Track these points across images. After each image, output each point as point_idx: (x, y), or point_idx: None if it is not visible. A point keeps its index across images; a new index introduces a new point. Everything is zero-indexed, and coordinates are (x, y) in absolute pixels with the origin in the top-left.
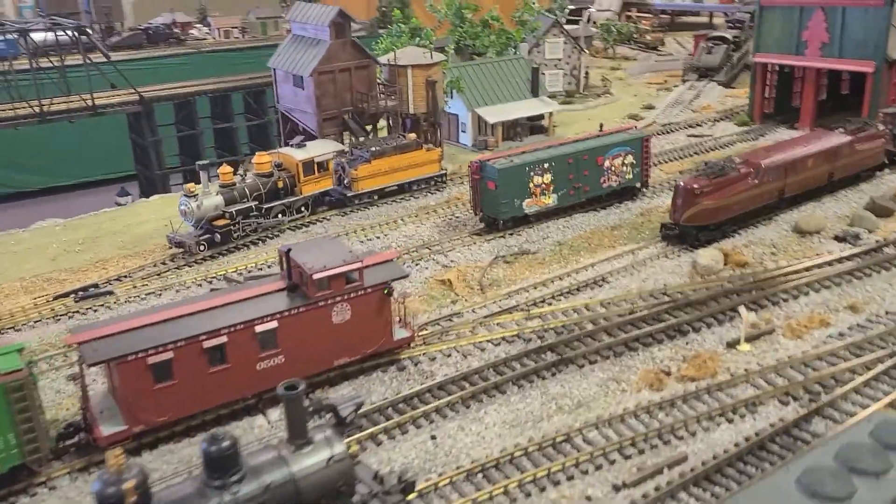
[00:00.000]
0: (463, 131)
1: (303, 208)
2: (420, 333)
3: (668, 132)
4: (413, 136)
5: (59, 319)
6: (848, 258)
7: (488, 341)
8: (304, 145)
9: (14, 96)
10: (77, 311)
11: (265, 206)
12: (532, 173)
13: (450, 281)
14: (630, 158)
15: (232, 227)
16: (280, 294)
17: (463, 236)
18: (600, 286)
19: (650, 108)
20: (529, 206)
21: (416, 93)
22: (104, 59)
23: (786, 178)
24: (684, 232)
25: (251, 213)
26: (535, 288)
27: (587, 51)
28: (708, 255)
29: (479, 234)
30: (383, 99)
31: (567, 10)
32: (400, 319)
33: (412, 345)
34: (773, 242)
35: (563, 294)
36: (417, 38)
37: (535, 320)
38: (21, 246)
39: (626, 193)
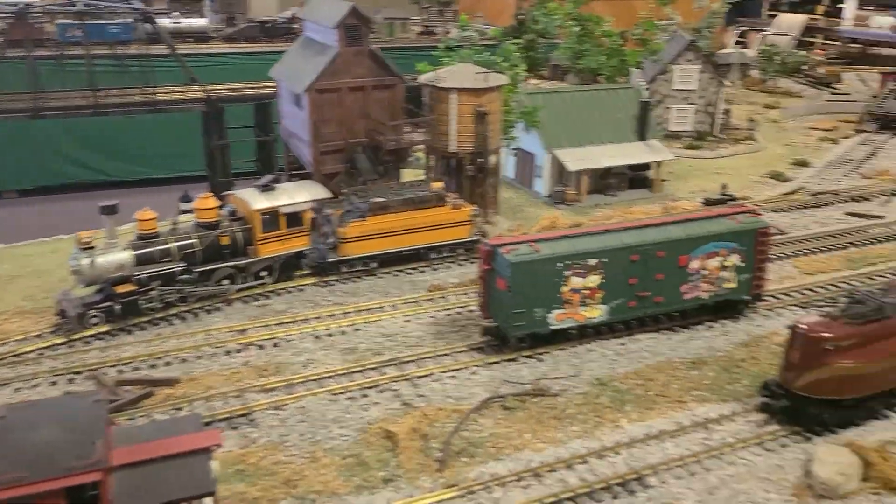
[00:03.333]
0: (538, 176)
1: (263, 273)
2: None
3: (818, 206)
4: (439, 185)
5: None
6: None
7: None
8: (273, 188)
9: (80, 83)
10: None
11: (200, 268)
12: (568, 272)
13: (396, 436)
14: (735, 259)
15: (140, 295)
16: None
17: (456, 351)
18: (632, 493)
19: (803, 165)
20: (560, 319)
21: (462, 125)
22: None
23: None
24: (799, 407)
25: (178, 278)
26: (520, 479)
27: (739, 82)
28: (834, 461)
29: (482, 352)
30: (410, 131)
31: (710, 31)
32: None
33: None
34: None
35: (564, 500)
36: (488, 53)
37: None
38: None
39: (724, 309)
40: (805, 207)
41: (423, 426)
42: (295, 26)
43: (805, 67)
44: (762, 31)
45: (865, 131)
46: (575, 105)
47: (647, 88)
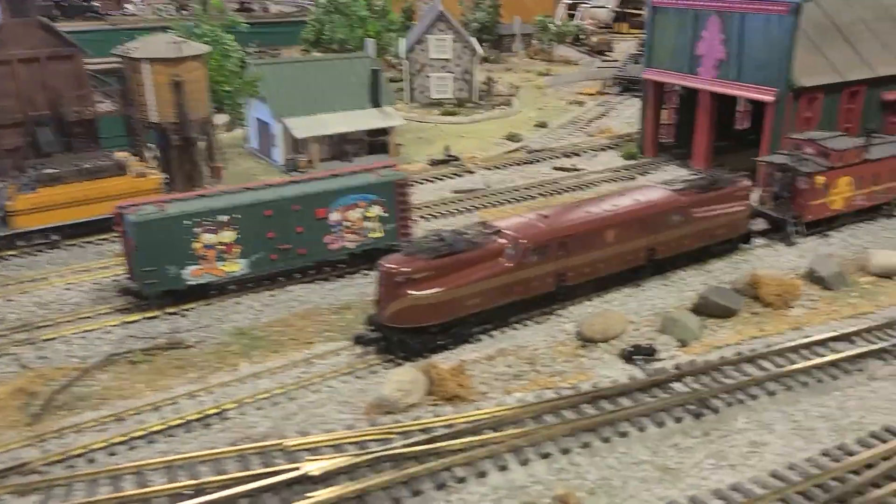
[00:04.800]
0: (274, 146)
1: None
2: None
3: (532, 162)
4: (123, 155)
5: None
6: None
7: None
8: None
9: None
10: None
11: None
12: (198, 229)
13: None
14: (376, 209)
15: None
16: None
17: (100, 313)
18: (208, 426)
19: (542, 126)
20: (197, 275)
21: (160, 96)
22: None
23: (567, 259)
24: (389, 336)
25: None
26: (99, 424)
27: (522, 51)
28: (398, 380)
29: (127, 311)
30: (100, 102)
31: (488, 2)
32: None
33: None
34: (533, 355)
35: (135, 439)
36: (197, 27)
37: None
38: None
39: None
40: (520, 164)
41: (35, 386)
42: (95, 4)
43: (582, 37)
44: (585, 2)
45: (608, 93)
46: (308, 74)
47: (407, 58)
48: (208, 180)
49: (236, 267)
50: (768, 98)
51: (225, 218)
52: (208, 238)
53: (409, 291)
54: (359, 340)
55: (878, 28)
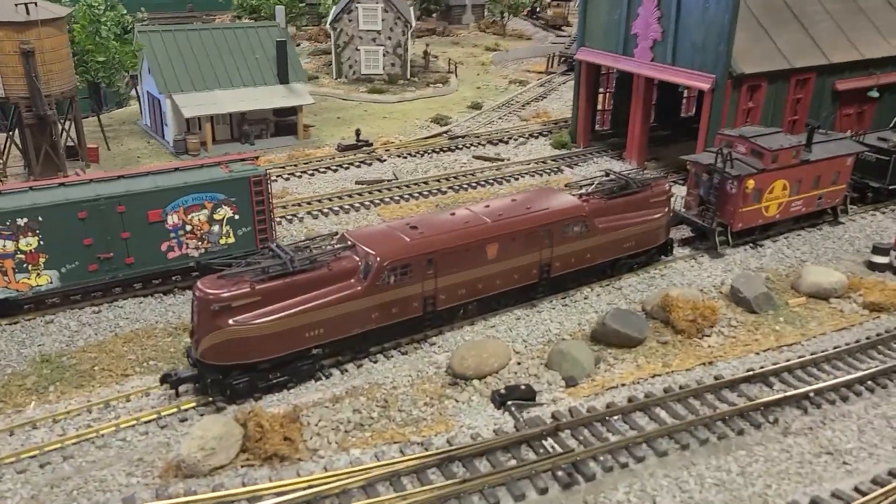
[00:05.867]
0: (166, 124)
1: None
2: None
3: (453, 149)
4: None
5: None
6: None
7: None
8: None
9: None
10: None
11: None
12: None
13: None
14: (226, 211)
15: None
16: None
17: None
18: None
19: (476, 108)
20: None
21: (7, 66)
22: None
23: (437, 278)
24: (204, 374)
25: None
26: None
27: (473, 24)
28: (201, 435)
29: None
30: None
31: None
32: None
33: None
34: (390, 395)
35: None
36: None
37: None
38: None
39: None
40: (438, 152)
41: None
42: None
43: (538, 9)
44: None
45: (552, 73)
46: (204, 45)
47: (333, 28)
48: (78, 164)
49: (44, 279)
50: (705, 85)
51: (23, 221)
52: (3, 245)
53: (230, 321)
54: (166, 380)
55: (835, 8)
